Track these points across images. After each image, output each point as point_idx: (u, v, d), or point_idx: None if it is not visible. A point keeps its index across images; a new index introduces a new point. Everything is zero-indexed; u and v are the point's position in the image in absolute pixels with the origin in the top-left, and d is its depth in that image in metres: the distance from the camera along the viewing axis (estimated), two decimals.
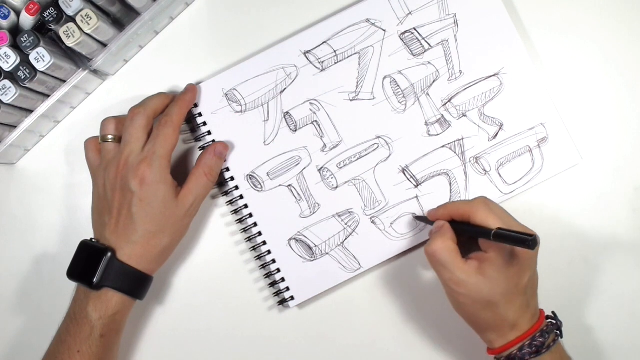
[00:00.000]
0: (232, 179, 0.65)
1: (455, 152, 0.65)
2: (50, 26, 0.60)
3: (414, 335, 0.65)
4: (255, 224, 0.65)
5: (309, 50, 0.65)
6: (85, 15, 0.59)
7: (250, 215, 0.65)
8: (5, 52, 0.58)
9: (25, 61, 0.59)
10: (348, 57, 0.65)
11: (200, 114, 0.65)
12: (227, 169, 0.65)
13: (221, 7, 0.67)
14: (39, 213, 0.67)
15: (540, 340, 0.55)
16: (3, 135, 0.63)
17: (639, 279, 0.65)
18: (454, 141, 0.65)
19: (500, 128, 0.65)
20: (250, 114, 0.65)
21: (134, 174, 0.58)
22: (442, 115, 0.65)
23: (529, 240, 0.51)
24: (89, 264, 0.58)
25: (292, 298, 0.65)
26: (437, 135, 0.65)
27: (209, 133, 0.65)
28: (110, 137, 0.61)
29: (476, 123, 0.65)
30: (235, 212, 0.66)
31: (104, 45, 0.63)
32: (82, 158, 0.65)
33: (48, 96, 0.63)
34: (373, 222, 0.65)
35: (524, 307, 0.56)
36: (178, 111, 0.61)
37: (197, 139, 0.66)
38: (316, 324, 0.66)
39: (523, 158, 0.65)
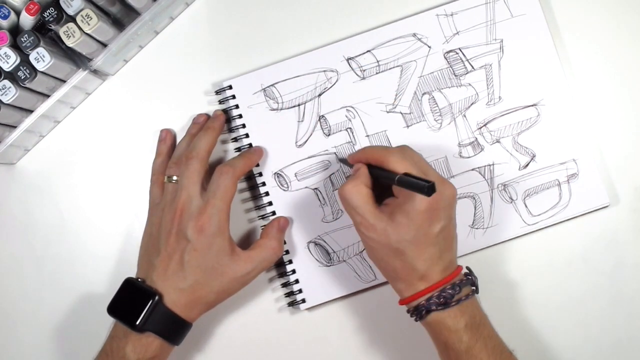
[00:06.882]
0: (260, 174, 0.65)
1: (484, 177, 0.65)
2: (50, 26, 0.60)
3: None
4: None
5: (352, 57, 0.65)
6: (86, 15, 0.59)
7: (274, 213, 0.65)
8: (5, 52, 0.58)
9: (25, 61, 0.59)
10: (390, 68, 0.65)
11: (237, 106, 0.65)
12: (257, 164, 0.65)
13: (221, 7, 0.67)
14: (39, 213, 0.67)
15: (450, 292, 0.54)
16: (3, 135, 0.63)
17: (638, 278, 0.65)
18: (485, 166, 0.65)
19: (532, 158, 0.65)
20: (285, 112, 0.65)
21: (193, 223, 0.57)
22: (476, 139, 0.65)
23: (425, 187, 0.50)
24: (134, 304, 0.57)
25: (303, 301, 0.65)
26: (469, 157, 0.65)
27: (243, 126, 0.65)
28: (175, 178, 0.61)
29: (509, 150, 0.65)
30: (259, 207, 0.66)
31: (104, 45, 0.63)
32: (81, 158, 0.66)
33: (48, 96, 0.63)
34: None
35: (435, 258, 0.54)
36: (243, 165, 0.61)
37: (231, 130, 0.66)
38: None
39: (551, 191, 0.65)
